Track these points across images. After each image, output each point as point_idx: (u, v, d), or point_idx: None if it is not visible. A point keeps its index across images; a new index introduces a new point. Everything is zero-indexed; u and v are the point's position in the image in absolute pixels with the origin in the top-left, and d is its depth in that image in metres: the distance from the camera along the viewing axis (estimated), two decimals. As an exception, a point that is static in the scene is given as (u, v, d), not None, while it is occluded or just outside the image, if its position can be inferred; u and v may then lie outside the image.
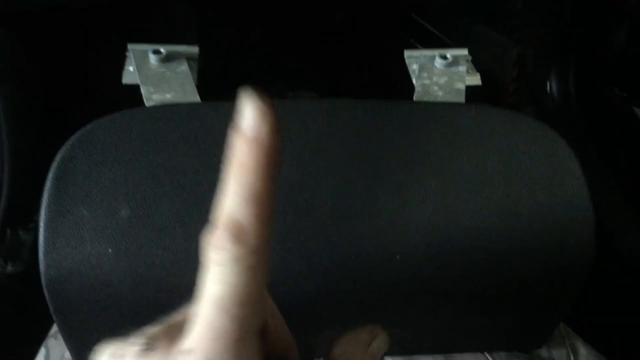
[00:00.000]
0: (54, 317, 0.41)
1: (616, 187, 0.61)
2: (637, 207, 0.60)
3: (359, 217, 0.39)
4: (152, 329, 0.25)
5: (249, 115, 0.22)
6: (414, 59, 0.51)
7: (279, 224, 0.38)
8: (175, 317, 0.26)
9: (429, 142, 0.40)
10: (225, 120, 0.39)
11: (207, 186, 0.38)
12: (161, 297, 0.39)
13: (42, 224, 0.38)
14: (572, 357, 0.49)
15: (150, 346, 0.24)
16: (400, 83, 0.52)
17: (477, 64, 0.52)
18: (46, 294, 0.39)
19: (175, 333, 0.24)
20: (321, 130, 0.40)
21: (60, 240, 0.38)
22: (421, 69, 0.50)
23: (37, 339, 0.56)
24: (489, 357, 0.48)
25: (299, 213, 0.38)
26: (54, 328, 0.58)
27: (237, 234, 0.22)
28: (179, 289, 0.39)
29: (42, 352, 0.56)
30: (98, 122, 0.39)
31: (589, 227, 0.40)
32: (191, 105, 0.43)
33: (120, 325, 0.42)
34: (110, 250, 0.38)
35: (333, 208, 0.39)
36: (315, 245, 0.38)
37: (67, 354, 0.53)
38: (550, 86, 0.74)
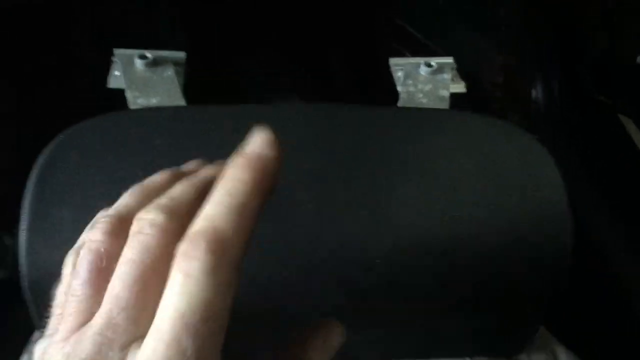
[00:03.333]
0: (36, 322, 0.41)
1: (598, 195, 0.62)
2: (619, 215, 0.60)
3: (338, 221, 0.39)
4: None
5: (258, 141, 0.25)
6: (400, 66, 0.52)
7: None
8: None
9: (410, 146, 0.40)
10: (210, 123, 0.39)
11: None
12: None
13: (23, 226, 0.37)
14: (552, 362, 0.50)
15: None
16: (385, 91, 0.52)
17: (463, 70, 0.52)
18: (28, 297, 0.39)
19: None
20: (301, 134, 0.40)
21: (41, 242, 0.37)
22: (406, 76, 0.50)
23: (20, 346, 0.56)
24: (471, 362, 0.49)
25: (277, 216, 0.38)
26: (37, 334, 0.57)
27: (215, 244, 0.21)
28: None
29: (24, 358, 0.55)
30: (81, 125, 0.39)
31: (566, 234, 0.40)
32: (176, 109, 0.43)
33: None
34: None
35: (311, 212, 0.39)
36: (293, 249, 0.39)
37: None
38: (535, 93, 0.74)
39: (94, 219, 0.27)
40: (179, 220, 0.24)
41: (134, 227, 0.24)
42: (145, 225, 0.23)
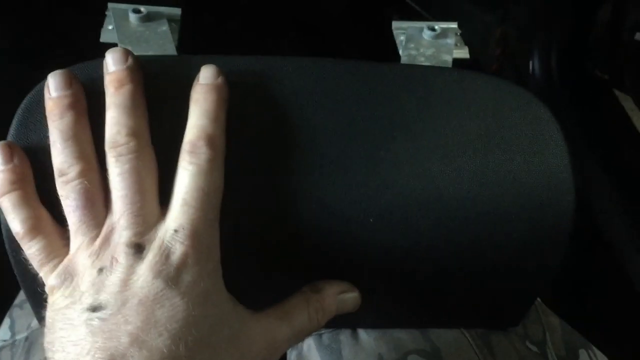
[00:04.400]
0: (21, 283, 0.39)
1: (596, 165, 0.62)
2: (616, 183, 0.60)
3: (331, 177, 0.38)
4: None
5: (209, 72, 0.35)
6: (402, 30, 0.50)
7: (250, 180, 0.37)
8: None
9: (408, 103, 0.39)
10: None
11: (177, 135, 0.36)
12: None
13: None
14: (547, 334, 0.50)
15: (138, 248, 0.31)
16: (385, 56, 0.51)
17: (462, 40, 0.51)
18: (10, 256, 0.37)
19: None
20: (297, 88, 0.39)
21: None
22: (408, 39, 0.49)
23: (1, 309, 0.55)
24: (465, 333, 0.49)
25: (270, 169, 0.38)
26: (19, 297, 0.56)
27: (211, 142, 0.33)
28: None
29: (6, 322, 0.54)
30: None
31: (568, 200, 0.40)
32: (168, 57, 0.42)
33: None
34: None
35: (304, 167, 0.38)
36: (285, 205, 0.38)
37: (34, 323, 0.52)
38: (533, 66, 0.74)
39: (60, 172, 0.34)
40: (140, 137, 0.33)
41: (114, 153, 0.32)
42: (123, 149, 0.32)
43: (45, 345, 0.32)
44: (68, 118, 0.33)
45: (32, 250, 0.33)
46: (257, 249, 0.39)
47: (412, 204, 0.39)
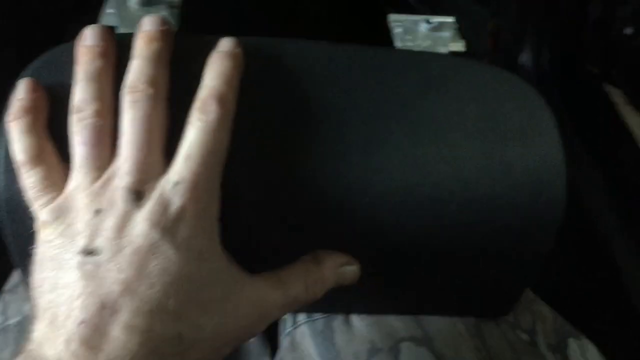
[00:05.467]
0: (16, 257, 0.38)
1: (586, 157, 0.63)
2: (607, 176, 0.61)
3: (327, 163, 0.38)
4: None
5: (228, 42, 0.36)
6: (399, 22, 0.50)
7: (249, 167, 0.37)
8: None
9: (404, 89, 0.40)
10: (200, 50, 0.38)
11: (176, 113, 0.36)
12: None
13: (2, 141, 0.35)
14: (537, 323, 0.51)
15: (138, 195, 0.31)
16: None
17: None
18: (7, 226, 0.36)
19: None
20: (291, 72, 0.39)
21: None
22: (405, 32, 0.49)
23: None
24: (458, 321, 0.49)
25: (265, 157, 0.38)
26: (11, 282, 0.56)
27: (221, 101, 0.33)
28: None
29: (-2, 306, 0.54)
30: (66, 45, 0.37)
31: (560, 182, 0.40)
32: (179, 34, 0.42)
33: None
34: None
35: (298, 155, 0.38)
36: (283, 191, 0.38)
37: (27, 308, 0.52)
38: (525, 59, 0.75)
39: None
40: (158, 87, 0.34)
41: (130, 98, 0.33)
42: (140, 96, 0.33)
43: (34, 283, 0.31)
44: (98, 63, 0.34)
45: (30, 180, 0.33)
46: (254, 215, 0.39)
47: (406, 188, 0.39)
